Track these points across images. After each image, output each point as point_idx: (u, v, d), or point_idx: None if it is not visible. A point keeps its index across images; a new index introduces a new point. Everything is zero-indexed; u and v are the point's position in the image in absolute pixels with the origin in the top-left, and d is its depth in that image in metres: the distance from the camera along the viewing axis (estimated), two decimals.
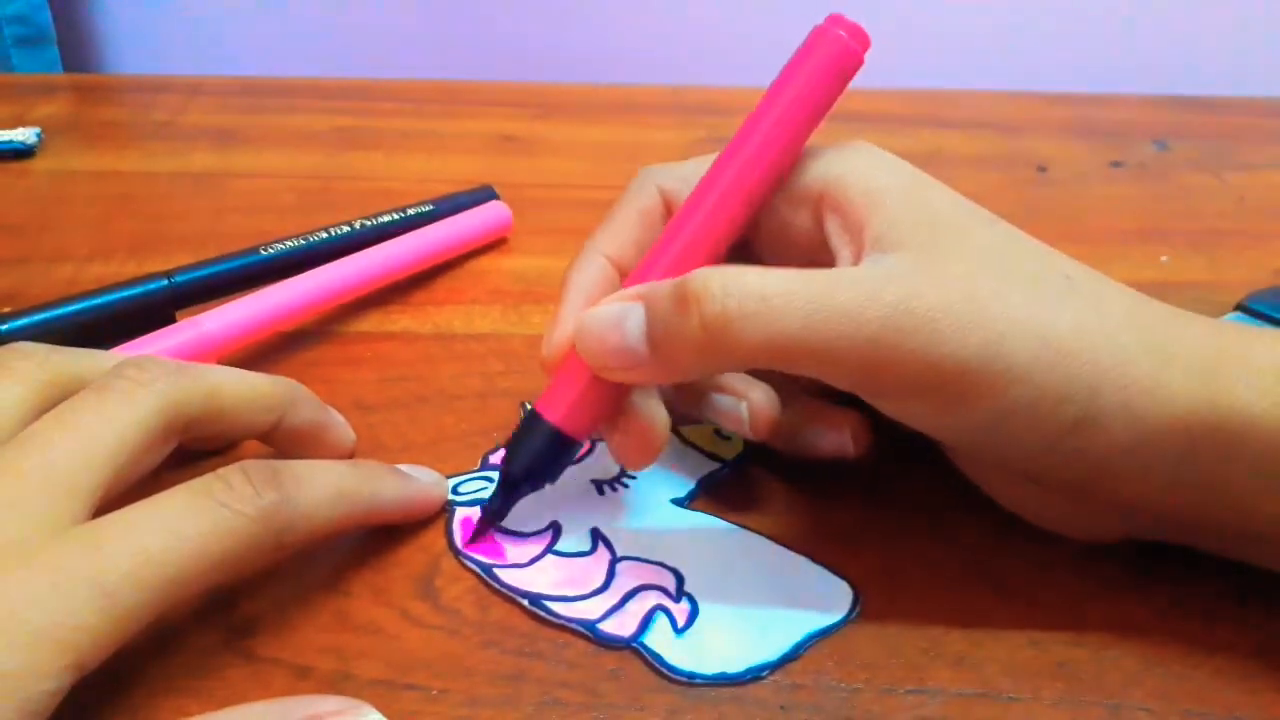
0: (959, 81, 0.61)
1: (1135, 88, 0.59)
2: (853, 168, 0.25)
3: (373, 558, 0.26)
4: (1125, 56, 0.77)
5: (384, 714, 0.20)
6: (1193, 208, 0.45)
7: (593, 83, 0.59)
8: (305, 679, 0.22)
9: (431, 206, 0.40)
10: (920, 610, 0.24)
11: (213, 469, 0.22)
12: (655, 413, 0.25)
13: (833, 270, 0.23)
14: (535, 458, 0.25)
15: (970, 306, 0.22)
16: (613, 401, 0.25)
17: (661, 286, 0.23)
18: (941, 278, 0.22)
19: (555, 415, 0.25)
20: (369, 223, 0.38)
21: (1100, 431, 0.22)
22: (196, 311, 0.33)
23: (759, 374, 0.27)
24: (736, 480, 0.28)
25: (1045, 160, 0.49)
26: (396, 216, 0.39)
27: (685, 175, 0.27)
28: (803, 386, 0.27)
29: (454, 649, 0.23)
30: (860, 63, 0.25)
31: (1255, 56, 0.76)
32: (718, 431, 0.30)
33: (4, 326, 0.30)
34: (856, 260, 0.24)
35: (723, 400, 0.26)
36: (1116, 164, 0.49)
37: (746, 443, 0.29)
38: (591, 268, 0.27)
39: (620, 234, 0.27)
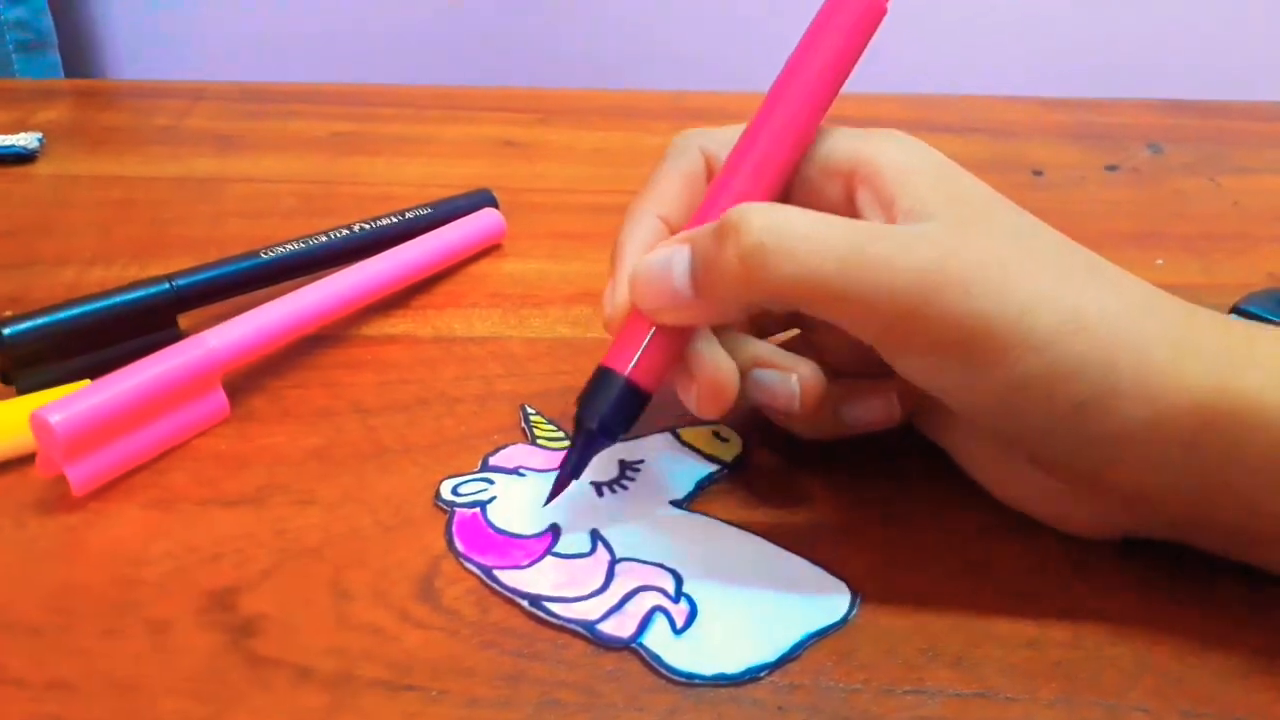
0: (953, 85, 0.61)
1: (1130, 91, 0.59)
2: (884, 149, 0.25)
3: (373, 559, 0.26)
4: (1120, 60, 0.77)
5: (384, 714, 0.20)
6: (1187, 211, 0.46)
7: (592, 88, 0.59)
8: (306, 680, 0.23)
9: (430, 210, 0.40)
10: (919, 610, 0.25)
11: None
12: (720, 360, 0.25)
13: (871, 223, 0.24)
14: (611, 410, 0.25)
15: (1001, 273, 0.22)
16: (677, 350, 0.25)
17: (706, 226, 0.24)
18: (973, 246, 0.23)
19: (624, 367, 0.25)
20: (368, 226, 0.38)
21: (1113, 411, 0.22)
22: (198, 315, 0.33)
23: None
24: (735, 481, 0.29)
25: (1040, 164, 0.50)
26: (395, 220, 0.39)
27: (725, 139, 0.27)
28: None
29: (454, 650, 0.23)
30: (884, 11, 0.26)
31: (1250, 60, 0.76)
32: (716, 433, 0.30)
33: (7, 330, 0.30)
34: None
35: (770, 376, 0.26)
36: (1111, 168, 0.50)
37: (745, 444, 0.30)
38: (643, 227, 0.27)
39: (667, 195, 0.28)
